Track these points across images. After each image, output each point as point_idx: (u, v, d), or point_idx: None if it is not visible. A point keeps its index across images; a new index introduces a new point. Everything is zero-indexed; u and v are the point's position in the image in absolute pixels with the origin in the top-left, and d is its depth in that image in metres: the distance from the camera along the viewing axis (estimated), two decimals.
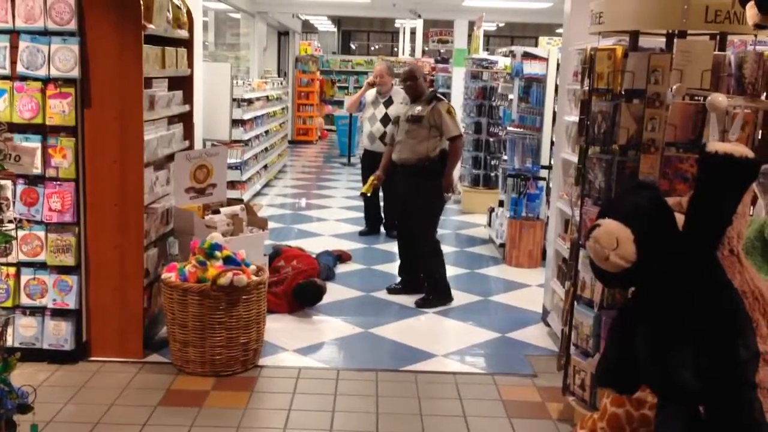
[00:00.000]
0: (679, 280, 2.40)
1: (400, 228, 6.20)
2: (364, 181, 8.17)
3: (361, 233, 8.24)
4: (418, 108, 5.80)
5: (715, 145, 2.30)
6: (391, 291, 6.15)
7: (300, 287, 5.60)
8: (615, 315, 2.72)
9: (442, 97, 5.96)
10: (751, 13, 2.61)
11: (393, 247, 7.77)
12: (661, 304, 2.42)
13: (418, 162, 5.77)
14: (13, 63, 4.21)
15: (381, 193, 8.03)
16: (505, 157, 8.13)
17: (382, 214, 8.31)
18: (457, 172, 7.89)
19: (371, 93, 7.94)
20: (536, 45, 12.09)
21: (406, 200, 5.99)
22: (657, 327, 2.39)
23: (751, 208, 2.93)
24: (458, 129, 5.82)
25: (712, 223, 2.36)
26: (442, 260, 6.02)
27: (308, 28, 24.55)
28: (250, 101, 10.23)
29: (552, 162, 6.40)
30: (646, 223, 2.39)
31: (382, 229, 8.32)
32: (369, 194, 6.73)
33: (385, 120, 7.73)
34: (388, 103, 7.78)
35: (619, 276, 2.44)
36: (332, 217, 9.25)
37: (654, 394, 2.65)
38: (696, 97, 3.29)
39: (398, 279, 6.39)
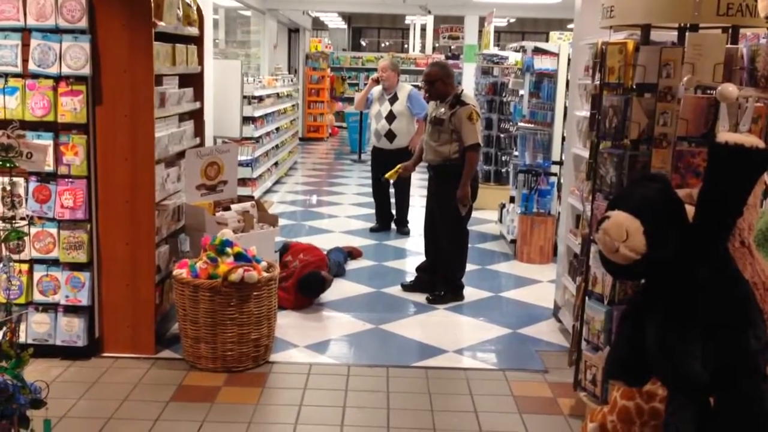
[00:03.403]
0: (689, 272, 2.38)
1: (427, 227, 6.15)
2: (372, 178, 8.19)
3: (372, 230, 8.24)
4: (441, 110, 5.72)
5: (725, 135, 2.28)
6: (406, 287, 6.14)
7: (303, 279, 5.61)
8: (624, 307, 2.71)
9: (467, 100, 5.70)
10: (763, 5, 2.59)
11: (404, 243, 7.81)
12: (670, 296, 2.41)
13: (441, 163, 5.76)
14: (25, 61, 4.23)
15: (392, 189, 8.03)
16: (516, 153, 8.12)
17: (393, 211, 8.31)
18: None
19: (377, 90, 7.92)
20: (547, 40, 12.07)
21: (432, 199, 5.99)
22: (667, 319, 2.38)
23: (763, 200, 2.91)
24: (476, 137, 5.60)
25: (723, 214, 2.34)
26: (463, 261, 6.00)
27: (318, 25, 24.57)
28: (260, 98, 10.24)
29: (563, 157, 6.38)
30: (655, 214, 2.38)
31: (393, 225, 8.31)
32: (392, 180, 6.70)
33: (390, 117, 7.71)
34: (393, 99, 7.75)
35: (628, 268, 2.43)
36: (343, 214, 9.26)
37: (664, 386, 2.64)
38: (708, 91, 3.26)
39: (410, 275, 6.39)
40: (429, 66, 6.01)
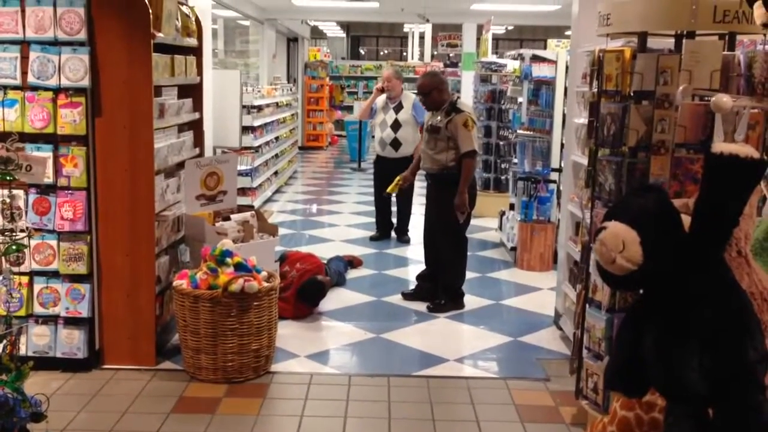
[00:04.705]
0: (686, 282, 2.38)
1: (426, 235, 6.16)
2: (375, 187, 8.19)
3: (372, 238, 8.24)
4: (438, 118, 5.74)
5: (720, 145, 2.28)
6: (406, 296, 6.14)
7: (302, 287, 5.62)
8: (623, 318, 2.71)
9: (462, 107, 5.74)
10: (759, 12, 2.59)
11: (405, 251, 7.80)
12: (668, 307, 2.40)
13: (439, 171, 5.77)
14: (24, 73, 4.24)
15: (393, 197, 8.02)
16: (515, 161, 8.13)
17: (393, 220, 8.31)
18: None
19: (381, 99, 7.93)
20: (545, 47, 12.10)
21: (431, 207, 6.00)
22: (664, 329, 2.37)
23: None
24: (472, 144, 5.62)
25: (719, 224, 2.34)
26: (462, 269, 6.00)
27: (317, 34, 24.63)
28: (259, 108, 10.26)
29: (562, 164, 6.39)
30: (652, 225, 2.38)
31: (393, 234, 8.31)
32: (394, 194, 6.71)
33: (395, 125, 7.73)
34: (398, 108, 7.77)
35: (626, 279, 2.43)
36: (343, 223, 9.25)
37: (663, 397, 2.63)
38: (706, 98, 3.27)
39: (411, 284, 6.39)
40: (421, 77, 6.03)
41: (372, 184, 8.45)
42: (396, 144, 7.73)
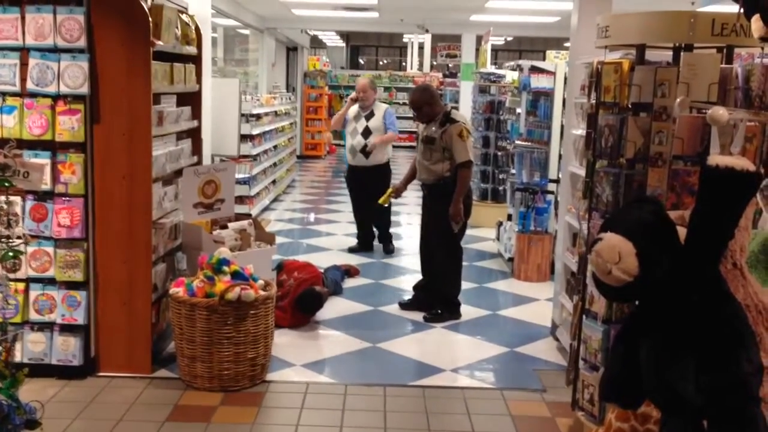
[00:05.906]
0: (681, 294, 2.38)
1: (423, 245, 6.16)
2: (352, 199, 8.15)
3: (352, 250, 8.11)
4: (432, 129, 5.76)
5: (716, 158, 2.29)
6: (403, 306, 6.13)
7: (299, 297, 5.61)
8: (618, 329, 2.71)
9: (457, 117, 5.74)
10: (757, 26, 2.60)
11: (401, 261, 7.80)
12: (663, 318, 2.40)
13: (434, 182, 5.79)
14: (23, 80, 4.25)
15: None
16: (513, 171, 8.14)
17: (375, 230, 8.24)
18: None
19: (353, 109, 7.87)
20: (544, 59, 12.14)
21: (426, 217, 6.01)
22: (660, 341, 2.37)
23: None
24: (467, 155, 5.64)
25: (714, 236, 2.35)
26: (458, 279, 6.01)
27: (317, 44, 24.67)
28: (258, 116, 10.27)
29: (560, 175, 6.40)
30: (648, 236, 2.38)
31: (374, 244, 8.22)
32: (387, 205, 6.69)
33: (366, 132, 7.68)
34: (370, 116, 7.73)
35: (622, 290, 2.43)
36: (340, 232, 9.24)
37: (658, 409, 2.63)
38: (703, 111, 3.28)
39: (408, 293, 6.38)
40: (411, 93, 6.09)
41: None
42: (366, 151, 7.70)
